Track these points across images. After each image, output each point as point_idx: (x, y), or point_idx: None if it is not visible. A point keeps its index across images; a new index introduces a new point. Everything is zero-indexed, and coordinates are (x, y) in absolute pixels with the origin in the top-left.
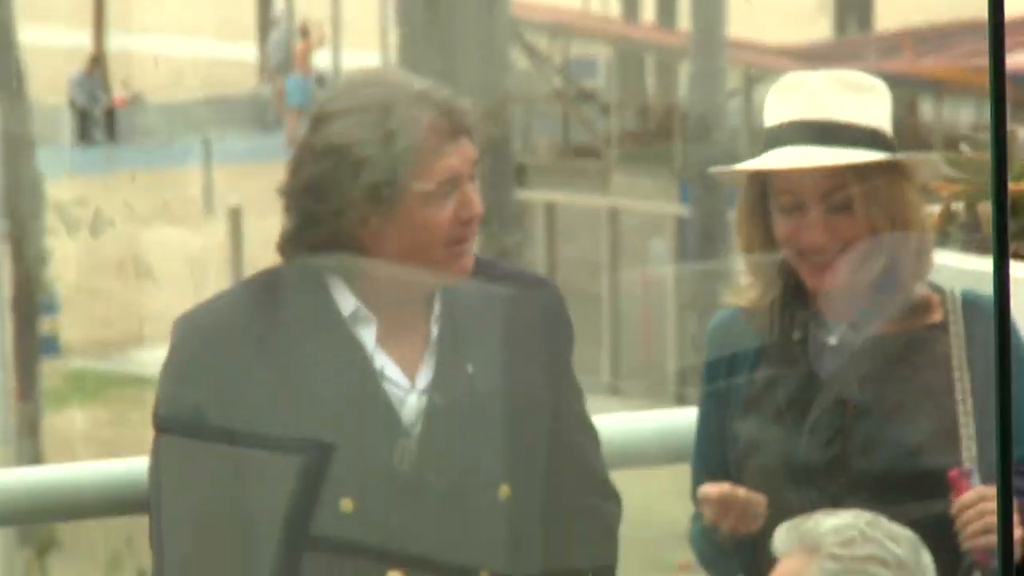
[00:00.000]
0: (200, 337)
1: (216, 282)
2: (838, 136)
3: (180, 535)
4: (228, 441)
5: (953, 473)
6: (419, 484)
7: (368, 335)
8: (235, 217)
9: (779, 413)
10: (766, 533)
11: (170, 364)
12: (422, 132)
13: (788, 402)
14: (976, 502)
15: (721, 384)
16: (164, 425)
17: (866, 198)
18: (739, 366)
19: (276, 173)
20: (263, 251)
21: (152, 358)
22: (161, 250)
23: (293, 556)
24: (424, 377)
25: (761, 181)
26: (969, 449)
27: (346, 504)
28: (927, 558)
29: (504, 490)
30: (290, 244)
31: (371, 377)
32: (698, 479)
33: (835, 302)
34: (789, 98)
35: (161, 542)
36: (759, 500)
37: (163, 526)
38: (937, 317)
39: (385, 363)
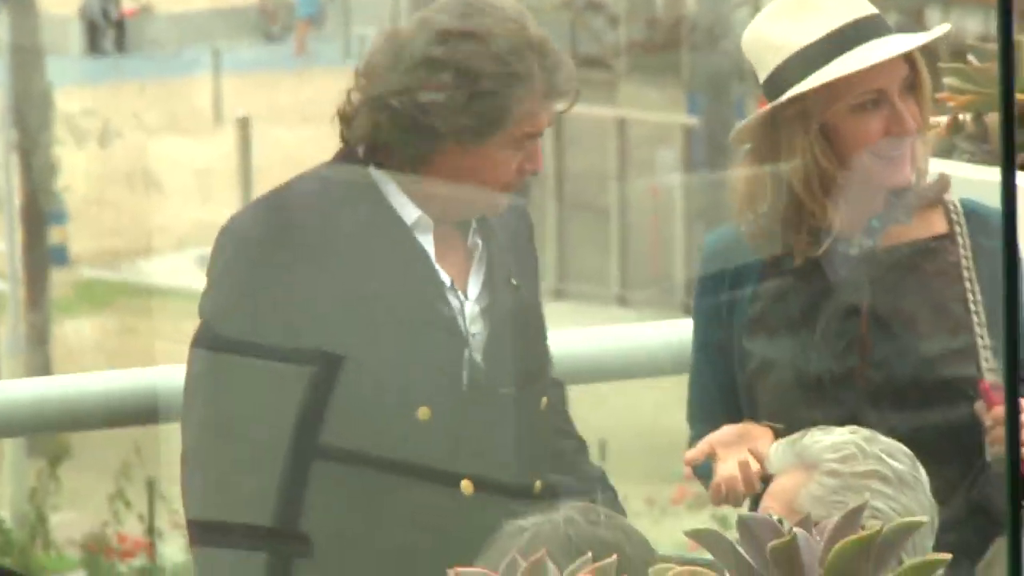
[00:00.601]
0: (253, 245)
1: (224, 193)
2: (887, 26)
3: (227, 451)
4: (289, 354)
5: (985, 385)
6: (482, 393)
7: (429, 245)
8: (243, 127)
9: (793, 327)
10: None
11: (223, 273)
12: (532, 82)
13: (803, 315)
14: (995, 414)
15: (723, 303)
16: (218, 337)
17: (924, 83)
18: (743, 284)
19: (284, 83)
20: (271, 161)
21: (160, 268)
22: (169, 161)
23: (366, 467)
24: (473, 288)
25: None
26: (987, 360)
27: (424, 412)
28: (923, 472)
29: (544, 401)
30: (356, 150)
31: (440, 287)
32: (700, 401)
33: (856, 209)
34: (818, 9)
35: (198, 456)
36: (749, 478)
37: (209, 440)
38: (943, 228)
39: (445, 276)
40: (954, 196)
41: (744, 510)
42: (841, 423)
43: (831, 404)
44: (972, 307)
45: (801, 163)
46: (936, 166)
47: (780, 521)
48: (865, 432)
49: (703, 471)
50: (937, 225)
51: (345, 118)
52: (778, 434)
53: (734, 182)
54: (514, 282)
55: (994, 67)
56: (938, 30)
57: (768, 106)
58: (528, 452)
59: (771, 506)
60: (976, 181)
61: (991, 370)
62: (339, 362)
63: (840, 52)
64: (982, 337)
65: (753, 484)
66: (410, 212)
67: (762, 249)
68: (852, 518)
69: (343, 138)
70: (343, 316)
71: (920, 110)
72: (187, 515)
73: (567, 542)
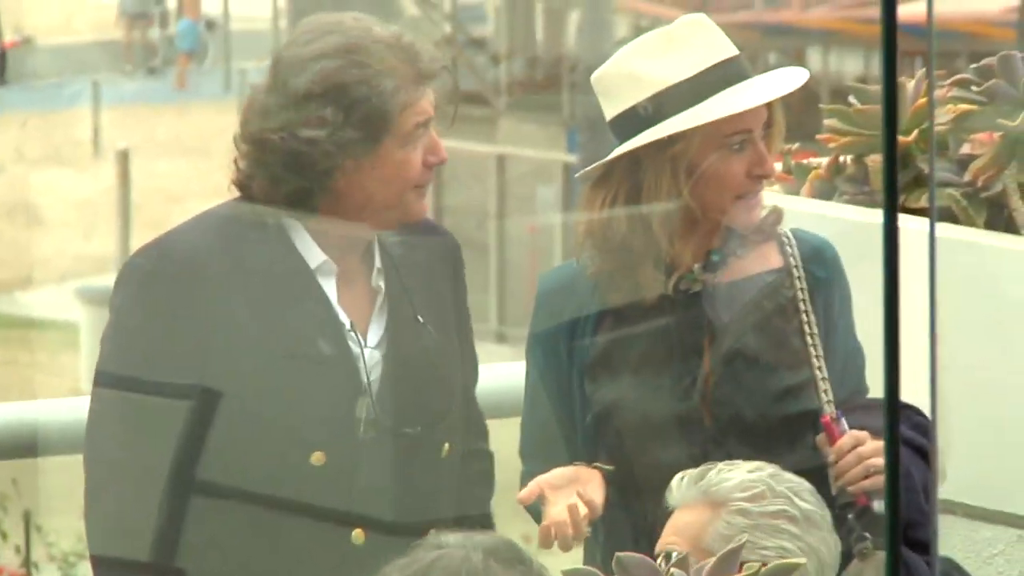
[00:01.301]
0: (155, 281)
1: (104, 225)
2: (748, 69)
3: (130, 496)
4: (183, 391)
5: (825, 419)
6: (378, 439)
7: (331, 289)
8: (123, 160)
9: (637, 367)
10: (644, 486)
11: (122, 309)
12: (399, 75)
13: (647, 354)
14: (853, 446)
15: (562, 343)
16: (113, 373)
17: (778, 125)
18: (583, 324)
19: (164, 116)
20: (150, 193)
21: (41, 300)
22: (50, 193)
23: (259, 511)
24: (375, 333)
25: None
26: (827, 392)
27: (317, 457)
28: (827, 510)
29: (445, 448)
30: (252, 190)
31: (340, 330)
32: (533, 438)
33: (696, 244)
34: (686, 48)
35: (95, 491)
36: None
37: (105, 484)
38: (778, 261)
39: (346, 320)
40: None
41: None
42: (690, 462)
43: (678, 444)
44: (809, 340)
45: (664, 202)
46: (816, 208)
47: (685, 556)
48: (771, 469)
49: (534, 510)
50: (772, 259)
51: (237, 165)
52: (607, 477)
53: (580, 219)
54: (420, 319)
55: (875, 109)
56: (801, 78)
57: (632, 144)
58: (423, 499)
59: (675, 541)
60: (856, 223)
61: (830, 403)
62: (235, 402)
63: (712, 92)
64: (820, 370)
65: (581, 528)
66: (315, 256)
67: (605, 286)
68: (730, 558)
69: (237, 182)
70: (241, 356)
71: (770, 151)
72: (90, 549)
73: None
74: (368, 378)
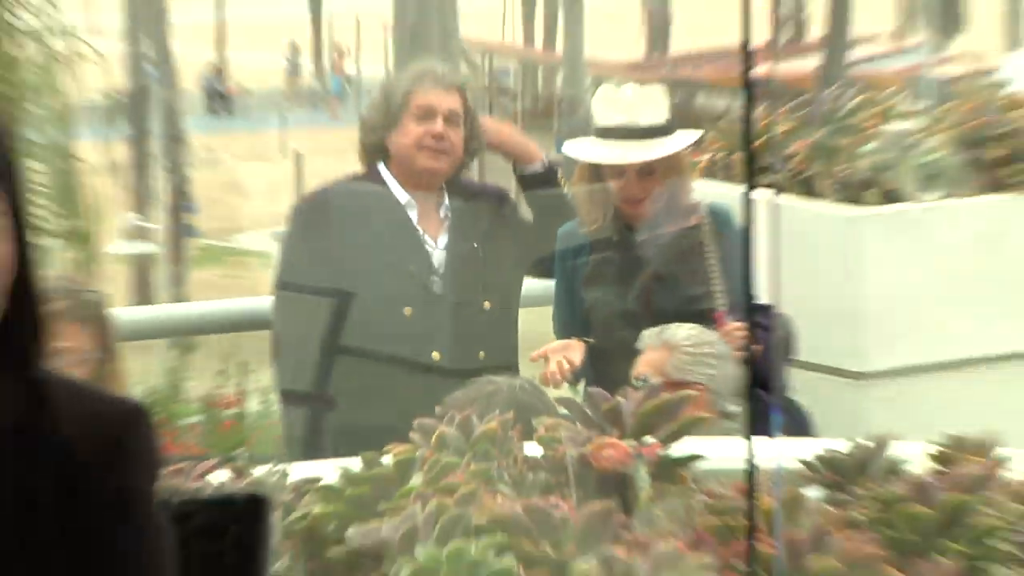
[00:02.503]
0: (304, 218)
1: (286, 196)
2: (645, 133)
3: (293, 354)
4: (340, 283)
5: (717, 315)
6: (442, 300)
7: (414, 215)
8: (297, 159)
9: (610, 281)
10: (611, 352)
11: (286, 238)
12: (413, 84)
13: (616, 274)
14: (733, 330)
15: (569, 266)
16: (281, 280)
17: (663, 166)
18: (580, 255)
19: (322, 132)
20: (313, 178)
21: (248, 240)
22: (254, 178)
23: (375, 351)
24: (442, 241)
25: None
26: (720, 298)
27: (407, 311)
28: (728, 350)
29: (486, 305)
30: (366, 158)
31: (419, 240)
32: (558, 324)
33: (639, 219)
34: (609, 105)
35: (277, 356)
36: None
37: (280, 347)
38: (696, 220)
39: (424, 233)
40: (705, 201)
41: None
42: (639, 337)
43: (632, 327)
44: (711, 269)
45: (618, 191)
46: (702, 184)
47: (646, 379)
48: (700, 327)
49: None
50: (693, 219)
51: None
52: (588, 346)
53: (574, 197)
54: (475, 245)
55: (738, 126)
56: (680, 141)
57: (577, 155)
58: (472, 335)
59: (645, 370)
60: (726, 194)
61: (723, 306)
62: (359, 286)
63: (614, 138)
64: (716, 285)
65: (566, 376)
66: (403, 196)
67: (593, 235)
68: (652, 392)
69: (361, 159)
70: (362, 259)
71: (653, 181)
72: (277, 387)
73: (511, 402)
74: (435, 265)
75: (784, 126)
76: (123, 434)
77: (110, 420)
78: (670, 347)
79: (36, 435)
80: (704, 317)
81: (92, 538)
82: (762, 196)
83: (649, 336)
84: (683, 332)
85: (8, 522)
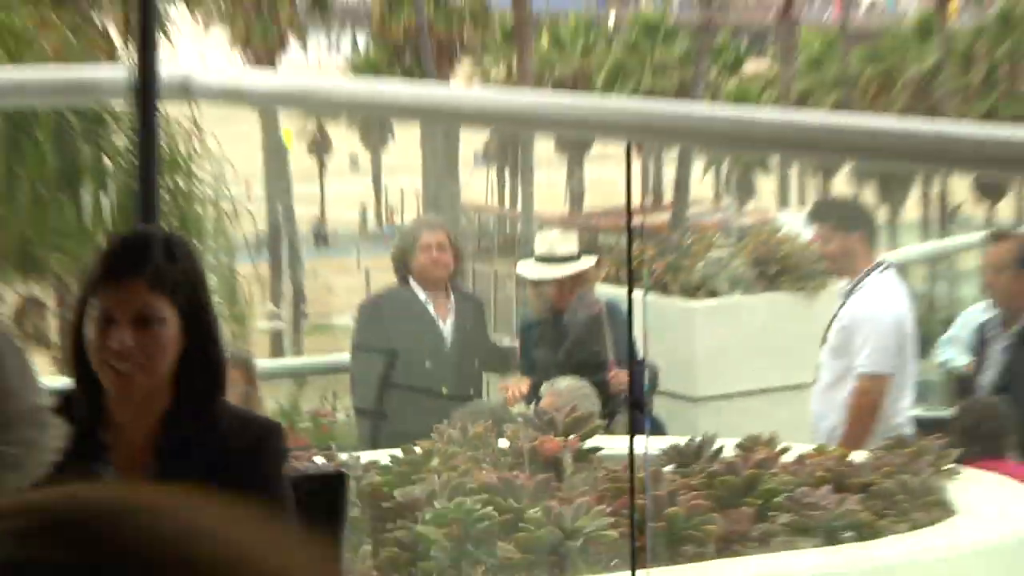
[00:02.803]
0: (370, 312)
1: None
2: (562, 259)
3: (363, 387)
4: (389, 346)
5: (611, 364)
6: (449, 357)
7: (430, 307)
8: (367, 274)
9: (547, 345)
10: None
11: (356, 324)
12: (418, 230)
13: (551, 341)
14: (619, 374)
15: (525, 336)
16: (355, 345)
17: (575, 278)
18: (532, 329)
19: (383, 258)
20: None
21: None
22: None
23: (399, 390)
24: (449, 323)
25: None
26: (613, 357)
27: (428, 363)
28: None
29: (476, 362)
30: (397, 273)
31: (434, 322)
32: (520, 370)
33: (564, 309)
34: (542, 243)
35: (353, 384)
36: None
37: (354, 380)
38: (598, 309)
39: (437, 318)
40: (603, 298)
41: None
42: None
43: (561, 372)
44: (607, 338)
45: (551, 293)
46: (602, 288)
47: (546, 412)
48: (577, 378)
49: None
50: (596, 308)
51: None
52: (533, 382)
53: (528, 296)
54: (468, 327)
55: (623, 254)
56: (584, 263)
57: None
58: (466, 377)
59: (545, 406)
60: (617, 294)
61: (614, 360)
62: (399, 349)
63: (535, 260)
64: (610, 349)
65: (519, 400)
66: (422, 295)
67: (538, 317)
68: (571, 411)
69: (396, 275)
70: (401, 334)
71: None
72: (354, 406)
73: (489, 415)
74: (444, 337)
75: (650, 252)
76: (263, 438)
77: (255, 429)
78: (556, 392)
79: (212, 436)
80: (603, 367)
81: (246, 497)
82: (638, 295)
83: (545, 386)
84: (565, 382)
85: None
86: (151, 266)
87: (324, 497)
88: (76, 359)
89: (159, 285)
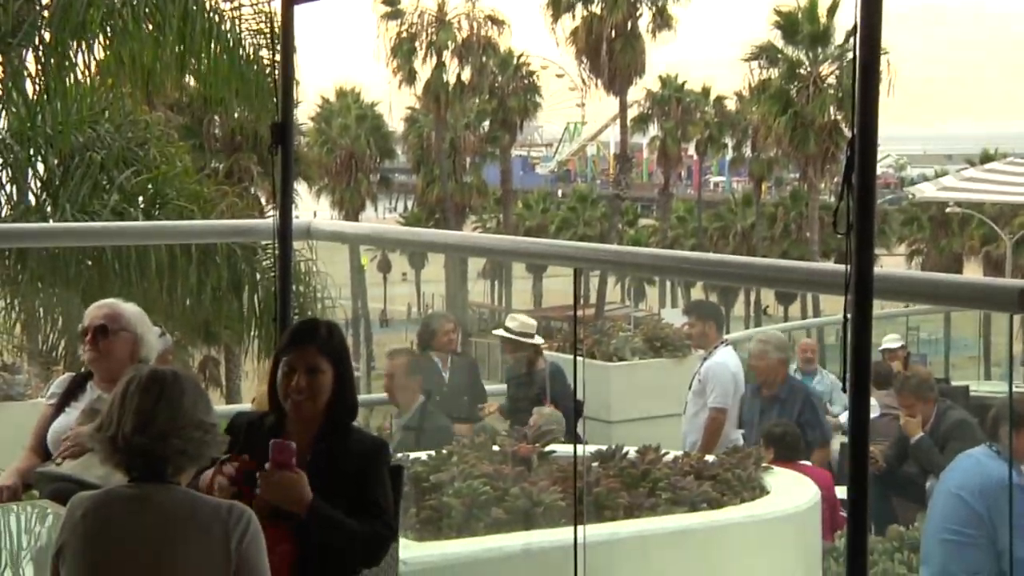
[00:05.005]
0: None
1: None
2: (522, 336)
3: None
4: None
5: (552, 404)
6: (449, 394)
7: (439, 363)
8: (411, 344)
9: (523, 387)
10: (519, 415)
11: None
12: (434, 323)
13: (525, 385)
14: (555, 409)
15: (509, 381)
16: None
17: (533, 347)
18: (513, 378)
19: None
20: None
21: None
22: None
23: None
24: (446, 372)
25: None
26: (558, 400)
27: (438, 398)
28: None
29: (466, 399)
30: (420, 347)
31: (440, 371)
32: (505, 403)
33: (534, 366)
34: (511, 322)
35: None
36: None
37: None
38: (542, 367)
39: (442, 368)
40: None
41: None
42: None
43: (532, 405)
44: (547, 387)
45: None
46: (552, 354)
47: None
48: (552, 410)
49: None
50: (541, 366)
51: None
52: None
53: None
54: (461, 377)
55: (570, 336)
56: (540, 340)
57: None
58: (462, 405)
59: (531, 424)
60: (562, 358)
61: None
62: (430, 392)
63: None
64: (553, 403)
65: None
66: (436, 357)
67: (518, 370)
68: (539, 431)
69: (419, 348)
70: (424, 381)
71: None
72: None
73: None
74: (446, 380)
75: (584, 333)
76: (376, 449)
77: (371, 443)
78: (539, 415)
79: (346, 446)
80: (557, 406)
81: (358, 494)
82: (579, 359)
83: (535, 412)
84: (546, 410)
85: (322, 494)
86: (319, 338)
87: (390, 482)
88: (271, 395)
89: (322, 349)
